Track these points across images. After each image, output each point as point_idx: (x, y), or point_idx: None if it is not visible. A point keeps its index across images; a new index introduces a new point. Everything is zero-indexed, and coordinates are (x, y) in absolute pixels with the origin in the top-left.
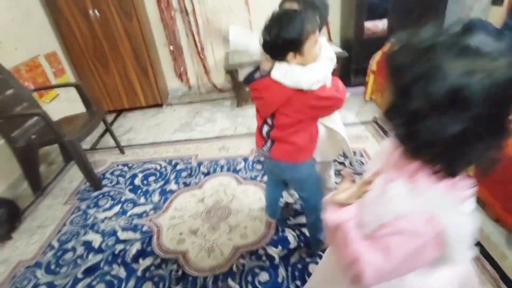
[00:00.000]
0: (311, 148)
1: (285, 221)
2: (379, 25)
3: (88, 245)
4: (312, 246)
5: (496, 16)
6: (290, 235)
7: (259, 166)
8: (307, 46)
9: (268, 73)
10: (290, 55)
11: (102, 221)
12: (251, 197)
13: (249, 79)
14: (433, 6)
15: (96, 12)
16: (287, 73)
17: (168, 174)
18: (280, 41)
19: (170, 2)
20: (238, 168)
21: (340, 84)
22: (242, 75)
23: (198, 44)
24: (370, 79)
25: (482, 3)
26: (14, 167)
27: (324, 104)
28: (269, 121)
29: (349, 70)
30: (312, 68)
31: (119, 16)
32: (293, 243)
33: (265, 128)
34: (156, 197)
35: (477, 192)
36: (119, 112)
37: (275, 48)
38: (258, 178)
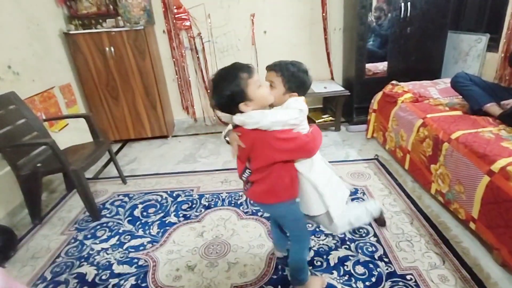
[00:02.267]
0: (289, 190)
1: (286, 259)
2: (379, 66)
3: (81, 278)
4: (292, 283)
5: (491, 62)
6: None
7: None
8: (250, 91)
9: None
10: (242, 106)
11: (98, 253)
12: (251, 232)
13: (227, 133)
14: (430, 51)
15: (112, 49)
16: (246, 119)
17: (169, 206)
18: (224, 100)
19: (182, 41)
20: (239, 202)
21: (318, 133)
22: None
23: (206, 79)
24: (372, 117)
25: (478, 49)
26: (15, 194)
27: (286, 146)
28: (248, 165)
29: (351, 108)
30: (273, 111)
31: (133, 54)
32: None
33: (246, 173)
34: (154, 230)
35: (484, 236)
36: (125, 142)
37: (226, 106)
38: (259, 213)
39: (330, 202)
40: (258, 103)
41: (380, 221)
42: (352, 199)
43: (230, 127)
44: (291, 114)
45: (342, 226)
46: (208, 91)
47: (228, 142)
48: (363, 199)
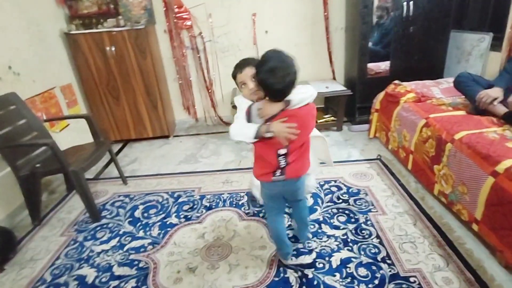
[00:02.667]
0: (309, 157)
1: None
2: (381, 66)
3: (81, 280)
4: (306, 233)
5: (494, 62)
6: (292, 277)
7: (261, 202)
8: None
9: (287, 103)
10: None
11: (98, 254)
12: (253, 234)
13: (259, 132)
14: (433, 50)
15: (113, 49)
16: (305, 93)
17: (170, 207)
18: (294, 77)
19: (183, 40)
20: (240, 203)
21: None
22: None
23: (207, 79)
24: (374, 117)
25: (481, 49)
26: (16, 195)
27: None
28: (282, 151)
29: (354, 108)
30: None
31: (134, 54)
32: (295, 286)
33: (281, 157)
34: (155, 231)
35: (487, 238)
36: (125, 142)
37: (290, 86)
38: (261, 214)
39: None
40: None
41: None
42: (355, 200)
43: (255, 126)
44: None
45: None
46: (255, 80)
47: (259, 139)
48: (366, 201)
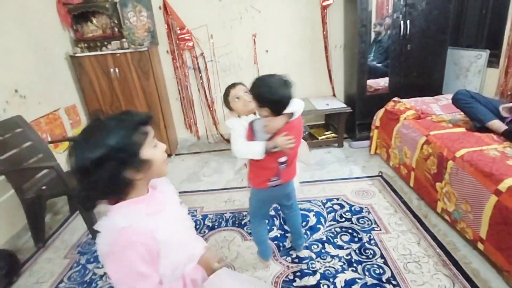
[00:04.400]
0: None
1: (291, 283)
2: (380, 82)
3: None
4: (301, 241)
5: (492, 78)
6: None
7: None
8: None
9: (290, 116)
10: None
11: (101, 277)
12: (255, 254)
13: (268, 148)
14: (431, 67)
15: (117, 70)
16: (300, 106)
17: None
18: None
19: (185, 61)
20: (243, 222)
21: None
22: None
23: (209, 98)
24: (375, 134)
25: (478, 65)
26: (19, 218)
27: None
28: (282, 159)
29: (354, 124)
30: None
31: (138, 75)
32: None
33: (281, 164)
34: None
35: (493, 258)
36: None
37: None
38: None
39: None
40: None
41: None
42: (358, 219)
43: (261, 143)
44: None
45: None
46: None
47: (267, 153)
48: (369, 219)
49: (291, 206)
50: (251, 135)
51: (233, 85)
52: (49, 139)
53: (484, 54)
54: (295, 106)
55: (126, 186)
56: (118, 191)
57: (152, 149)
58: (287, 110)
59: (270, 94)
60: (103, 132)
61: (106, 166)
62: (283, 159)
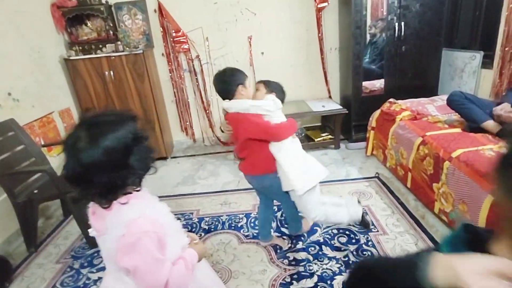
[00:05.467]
0: (265, 165)
1: (289, 285)
2: (376, 84)
3: None
4: (290, 232)
5: (486, 79)
6: None
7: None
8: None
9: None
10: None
11: (95, 282)
12: (252, 257)
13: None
14: (426, 68)
15: (112, 73)
16: (233, 104)
17: None
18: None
19: (180, 63)
20: (239, 225)
21: (287, 124)
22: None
23: (205, 100)
24: (371, 135)
25: (473, 66)
26: (11, 222)
27: (254, 129)
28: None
29: (350, 126)
30: (250, 101)
31: (133, 77)
32: None
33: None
34: None
35: None
36: None
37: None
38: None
39: (295, 181)
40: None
41: (364, 223)
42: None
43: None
44: (265, 103)
45: (316, 213)
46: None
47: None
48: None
49: (277, 199)
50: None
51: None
52: (42, 143)
53: (478, 55)
54: (232, 103)
55: (145, 171)
56: (142, 174)
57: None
58: (232, 101)
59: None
60: (110, 125)
61: (137, 149)
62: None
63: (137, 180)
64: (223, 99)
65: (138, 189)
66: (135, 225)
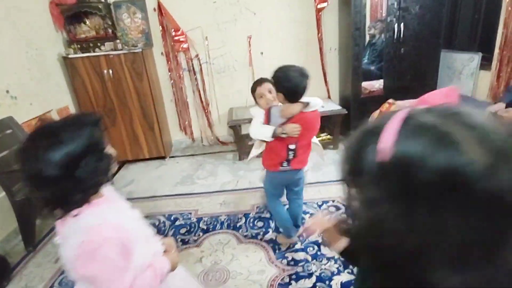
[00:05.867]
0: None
1: (287, 286)
2: (375, 84)
3: None
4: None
5: (484, 80)
6: None
7: (260, 223)
8: None
9: (304, 107)
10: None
11: None
12: (251, 257)
13: (276, 132)
14: (425, 70)
15: (110, 71)
16: (317, 101)
17: (166, 230)
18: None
19: (180, 62)
20: (238, 225)
21: None
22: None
23: (204, 100)
24: None
25: (471, 68)
26: (9, 220)
27: (318, 125)
28: (292, 146)
29: (349, 126)
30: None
31: (131, 76)
32: None
33: (290, 151)
34: None
35: None
36: (122, 163)
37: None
38: (259, 237)
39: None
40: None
41: None
42: None
43: (272, 128)
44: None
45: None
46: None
47: (275, 137)
48: None
49: (298, 192)
50: (267, 118)
51: (260, 82)
52: None
53: (477, 57)
54: (312, 99)
55: (97, 183)
56: (94, 186)
57: (109, 146)
58: (302, 99)
59: (285, 80)
60: (68, 132)
61: (85, 162)
62: (292, 146)
63: (84, 194)
64: (299, 97)
65: (98, 197)
66: (95, 232)
